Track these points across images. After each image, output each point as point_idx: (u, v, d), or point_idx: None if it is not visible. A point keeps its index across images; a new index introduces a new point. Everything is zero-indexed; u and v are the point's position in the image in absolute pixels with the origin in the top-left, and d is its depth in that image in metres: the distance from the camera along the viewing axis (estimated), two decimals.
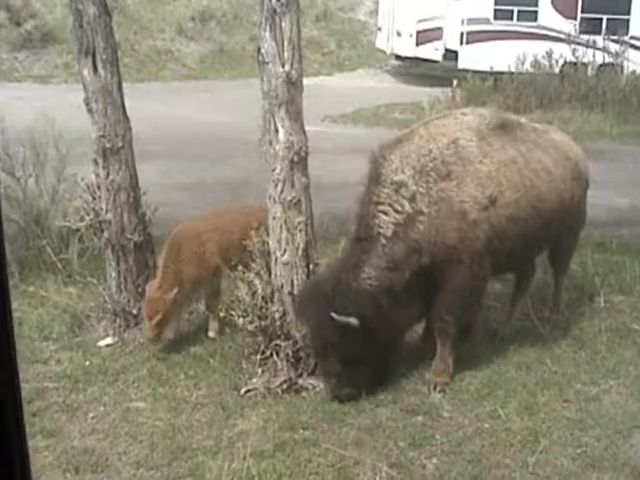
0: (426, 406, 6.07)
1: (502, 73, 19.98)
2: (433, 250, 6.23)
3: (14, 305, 6.94)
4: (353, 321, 5.91)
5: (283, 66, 6.15)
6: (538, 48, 21.12)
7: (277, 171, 6.27)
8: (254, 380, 6.30)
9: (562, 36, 21.85)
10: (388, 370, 6.37)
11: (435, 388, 6.29)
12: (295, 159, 6.26)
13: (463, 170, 6.37)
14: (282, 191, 6.30)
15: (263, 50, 6.19)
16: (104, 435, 5.63)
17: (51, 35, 24.21)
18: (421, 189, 6.23)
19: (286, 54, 6.15)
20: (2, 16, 24.63)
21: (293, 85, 6.21)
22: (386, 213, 6.21)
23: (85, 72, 6.98)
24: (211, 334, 7.16)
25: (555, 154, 6.99)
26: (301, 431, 5.69)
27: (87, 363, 6.70)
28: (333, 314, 5.89)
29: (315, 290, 6.15)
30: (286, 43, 6.14)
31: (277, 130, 6.24)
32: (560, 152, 7.07)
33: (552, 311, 7.54)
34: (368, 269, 6.16)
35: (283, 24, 6.09)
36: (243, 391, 6.20)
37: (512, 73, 19.95)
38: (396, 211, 6.20)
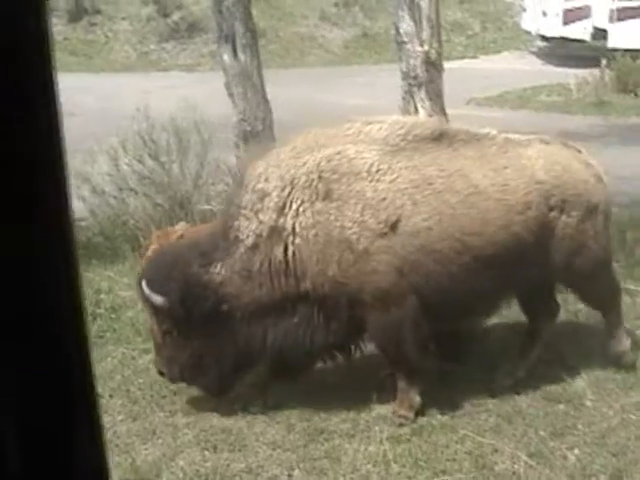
0: (568, 394, 5.89)
1: None
2: (317, 281, 5.37)
3: None
4: (157, 299, 5.37)
5: (422, 45, 6.07)
6: None
7: None
8: None
9: None
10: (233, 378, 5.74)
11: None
12: None
13: (347, 189, 5.36)
14: None
15: (401, 30, 6.13)
16: (242, 415, 5.70)
17: (197, 25, 24.83)
18: (294, 205, 5.36)
19: (425, 33, 6.07)
20: (150, 9, 25.51)
21: (432, 65, 6.12)
22: (248, 219, 5.47)
23: (225, 57, 7.09)
24: None
25: (517, 176, 5.63)
26: (439, 416, 5.61)
27: None
28: (143, 282, 5.39)
29: (161, 256, 5.71)
30: (424, 22, 6.06)
31: (417, 111, 6.17)
32: (528, 173, 5.66)
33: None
34: (219, 265, 5.49)
35: (421, 3, 6.01)
36: (382, 375, 6.16)
37: None
38: (259, 221, 5.43)
